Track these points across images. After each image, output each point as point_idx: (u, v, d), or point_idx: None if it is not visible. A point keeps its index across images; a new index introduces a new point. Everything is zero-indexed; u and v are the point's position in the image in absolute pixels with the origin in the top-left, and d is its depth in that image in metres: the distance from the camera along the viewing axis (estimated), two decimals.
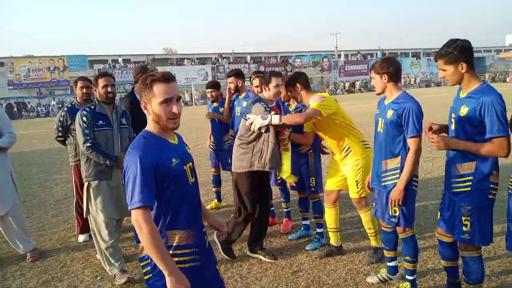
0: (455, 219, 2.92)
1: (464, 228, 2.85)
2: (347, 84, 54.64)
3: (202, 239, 2.25)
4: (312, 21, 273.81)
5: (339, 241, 4.35)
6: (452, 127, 2.89)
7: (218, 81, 6.47)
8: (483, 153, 2.69)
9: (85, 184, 4.02)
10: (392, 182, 3.24)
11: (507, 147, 2.62)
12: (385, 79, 3.22)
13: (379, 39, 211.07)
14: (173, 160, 2.10)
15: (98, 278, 4.11)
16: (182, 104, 2.10)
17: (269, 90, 4.10)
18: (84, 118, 3.91)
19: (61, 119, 4.89)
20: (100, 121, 3.98)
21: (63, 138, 5.01)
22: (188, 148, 2.37)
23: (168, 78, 2.08)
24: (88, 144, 3.88)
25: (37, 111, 42.82)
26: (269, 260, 4.21)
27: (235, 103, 5.45)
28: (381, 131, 3.30)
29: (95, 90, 4.10)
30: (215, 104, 5.90)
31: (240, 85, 5.37)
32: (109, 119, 4.04)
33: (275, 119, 3.78)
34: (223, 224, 2.62)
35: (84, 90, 4.89)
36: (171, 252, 2.07)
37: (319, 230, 4.60)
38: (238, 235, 4.33)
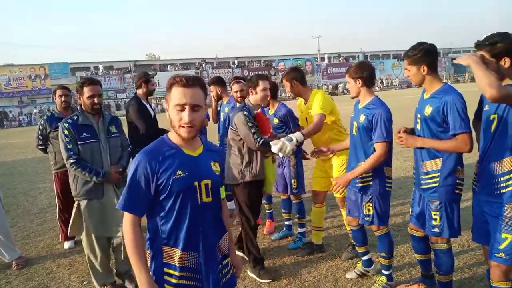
0: (425, 214, 3.09)
1: (433, 222, 3.01)
2: (330, 87, 55.13)
3: (212, 270, 2.04)
4: (294, 25, 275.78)
5: (321, 239, 4.49)
6: (418, 127, 3.06)
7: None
8: (448, 149, 2.86)
9: (75, 203, 3.74)
10: (365, 185, 3.40)
11: (469, 142, 2.78)
12: (359, 83, 3.38)
13: (360, 41, 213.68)
14: (178, 172, 1.93)
15: (84, 283, 4.17)
16: (203, 116, 1.93)
17: (256, 93, 3.96)
18: (66, 132, 3.57)
19: (41, 127, 5.01)
20: (84, 133, 3.62)
21: (43, 147, 5.11)
22: (215, 165, 2.11)
23: (189, 84, 1.94)
24: (72, 160, 3.56)
25: (19, 120, 42.28)
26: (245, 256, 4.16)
27: (219, 109, 5.58)
28: (355, 134, 3.46)
29: (79, 98, 3.69)
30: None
31: (219, 92, 5.48)
32: (94, 129, 3.67)
33: (299, 137, 3.73)
34: (240, 265, 2.33)
35: (63, 99, 5.01)
36: (165, 269, 1.98)
37: (301, 230, 4.74)
38: (256, 248, 4.08)
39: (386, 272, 3.54)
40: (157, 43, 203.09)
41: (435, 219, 3.01)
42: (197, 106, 1.95)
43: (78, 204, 3.69)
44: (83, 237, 3.74)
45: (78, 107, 3.77)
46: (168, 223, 1.96)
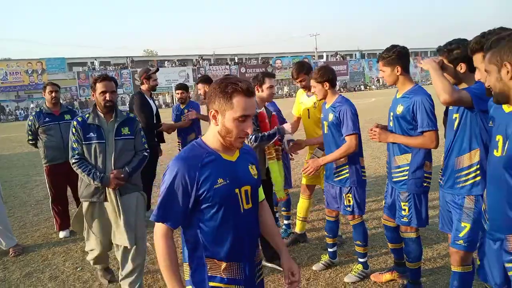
0: (396, 205, 3.32)
1: (403, 213, 3.24)
2: None
3: (252, 277, 1.96)
4: (292, 23, 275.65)
5: (304, 229, 4.72)
6: (391, 124, 3.29)
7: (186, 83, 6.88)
8: (416, 145, 3.10)
9: (81, 203, 3.65)
10: (343, 177, 3.64)
11: (435, 139, 3.02)
12: (326, 86, 3.65)
13: (357, 40, 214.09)
14: (219, 180, 1.81)
15: (78, 269, 4.39)
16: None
17: (262, 91, 3.97)
18: (73, 130, 3.49)
19: (30, 123, 5.29)
20: (91, 133, 3.47)
21: (34, 141, 5.38)
22: (252, 168, 2.00)
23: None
24: (73, 160, 3.48)
25: (16, 115, 42.33)
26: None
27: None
28: (327, 132, 3.73)
29: (93, 95, 3.58)
30: (182, 106, 6.29)
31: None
32: (102, 130, 3.49)
33: (283, 130, 3.97)
34: (295, 269, 2.03)
35: (53, 95, 5.28)
36: (210, 283, 1.87)
37: (286, 222, 4.98)
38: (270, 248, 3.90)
39: (362, 260, 3.77)
40: (155, 39, 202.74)
41: (404, 210, 3.24)
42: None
43: (81, 204, 3.63)
44: (84, 232, 3.72)
45: (92, 105, 3.62)
46: (210, 234, 1.85)
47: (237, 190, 1.86)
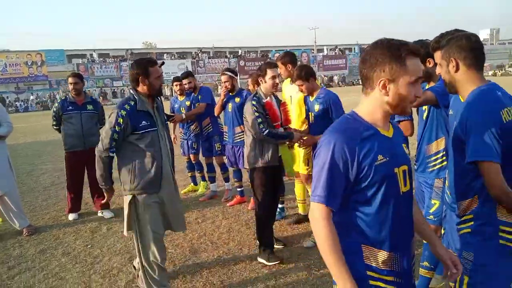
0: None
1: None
2: (325, 79, 55.60)
3: (409, 270, 1.76)
4: (291, 16, 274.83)
5: (306, 210, 5.08)
6: (312, 121, 4.03)
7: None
8: None
9: (128, 197, 3.29)
10: None
11: (410, 128, 3.43)
12: (312, 81, 4.08)
13: (356, 34, 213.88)
14: (379, 157, 1.63)
15: (89, 246, 4.77)
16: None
17: (265, 82, 4.00)
18: (120, 120, 3.11)
19: (55, 109, 5.61)
20: (144, 121, 3.20)
21: (58, 127, 5.68)
22: (406, 147, 1.84)
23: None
24: (109, 154, 3.18)
25: (16, 106, 42.50)
26: (279, 246, 4.36)
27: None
28: (313, 122, 4.16)
29: (143, 82, 3.24)
30: (181, 98, 6.41)
31: (235, 83, 5.68)
32: (153, 117, 3.29)
33: None
34: (456, 260, 1.83)
35: (72, 86, 5.54)
36: (368, 272, 1.68)
37: (280, 205, 5.35)
38: (271, 235, 4.20)
39: None
40: (154, 32, 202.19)
41: None
42: None
43: (133, 198, 3.26)
44: (134, 234, 3.36)
45: (132, 92, 3.31)
46: (367, 218, 1.67)
47: (396, 170, 1.67)
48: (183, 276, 3.88)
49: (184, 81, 6.24)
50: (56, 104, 5.64)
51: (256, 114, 3.85)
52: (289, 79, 4.94)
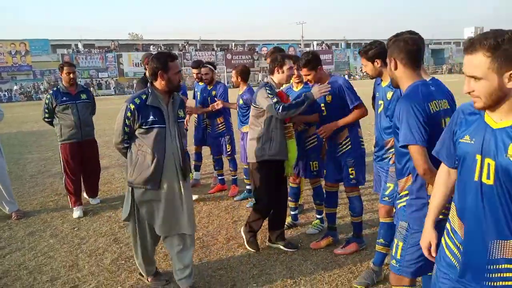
0: (341, 173, 4.05)
1: (351, 176, 3.99)
2: None
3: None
4: (278, 10, 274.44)
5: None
6: (324, 113, 4.05)
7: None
8: (353, 119, 3.91)
9: (129, 188, 3.36)
10: (346, 149, 4.02)
11: (364, 109, 3.88)
12: (319, 71, 3.98)
13: (344, 29, 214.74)
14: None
15: (75, 229, 5.05)
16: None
17: (282, 72, 3.98)
18: (129, 114, 3.16)
19: (47, 101, 5.41)
20: (151, 117, 3.18)
21: (50, 119, 5.50)
22: None
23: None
24: (124, 145, 3.30)
25: None
26: (290, 250, 4.16)
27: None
28: (325, 114, 4.06)
29: (162, 76, 3.21)
30: (209, 87, 5.98)
31: (214, 76, 5.92)
32: (163, 112, 3.25)
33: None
34: None
35: (71, 76, 5.41)
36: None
37: (248, 187, 5.73)
38: (258, 226, 4.23)
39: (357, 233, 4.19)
40: (140, 23, 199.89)
41: (352, 174, 3.99)
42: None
43: (132, 190, 3.33)
44: (131, 223, 3.47)
45: (148, 87, 3.31)
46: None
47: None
48: (165, 255, 4.19)
49: (203, 71, 5.96)
50: (49, 96, 5.43)
51: (270, 95, 3.80)
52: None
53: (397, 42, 2.43)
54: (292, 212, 4.85)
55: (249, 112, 5.05)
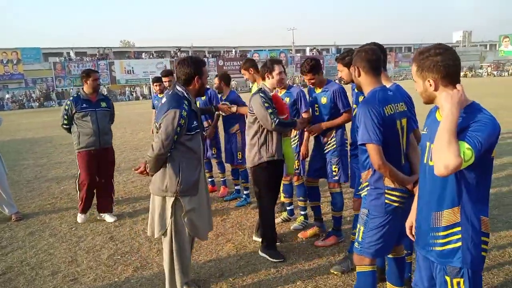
0: (325, 169, 4.39)
1: (334, 173, 4.34)
2: (302, 78, 56.45)
3: None
4: (269, 16, 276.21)
5: None
6: (317, 113, 4.39)
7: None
8: (341, 122, 4.27)
9: (170, 199, 3.24)
10: (331, 149, 4.38)
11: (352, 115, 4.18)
12: (321, 74, 4.41)
13: (334, 35, 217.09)
14: None
15: (73, 228, 5.34)
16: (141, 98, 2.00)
17: (272, 77, 4.14)
18: (182, 122, 3.09)
19: (66, 107, 5.30)
20: (194, 122, 3.22)
21: (68, 126, 5.39)
22: None
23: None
24: (164, 156, 3.16)
25: None
26: (275, 260, 4.11)
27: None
28: (318, 114, 4.43)
29: (197, 81, 3.27)
30: (224, 97, 5.89)
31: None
32: (199, 117, 3.34)
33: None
34: None
35: (97, 82, 5.44)
36: (482, 238, 2.05)
37: (246, 192, 6.03)
38: (272, 231, 4.25)
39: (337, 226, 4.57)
40: (132, 30, 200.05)
41: (335, 171, 4.33)
42: None
43: (176, 200, 3.24)
44: (167, 236, 3.31)
45: (179, 88, 3.28)
46: (486, 188, 2.07)
47: None
48: (158, 250, 4.50)
49: (164, 79, 6.55)
50: (68, 102, 5.33)
51: (266, 105, 3.91)
52: (256, 83, 5.60)
53: (359, 53, 2.79)
54: (288, 208, 5.16)
55: (236, 114, 5.44)
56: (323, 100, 4.36)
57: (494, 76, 60.07)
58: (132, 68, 51.65)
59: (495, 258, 3.88)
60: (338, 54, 3.88)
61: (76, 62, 49.35)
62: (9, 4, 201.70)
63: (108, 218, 5.58)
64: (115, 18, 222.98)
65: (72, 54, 52.04)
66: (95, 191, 5.56)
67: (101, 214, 5.65)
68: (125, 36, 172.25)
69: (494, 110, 15.09)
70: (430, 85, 2.05)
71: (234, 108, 5.01)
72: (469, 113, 1.98)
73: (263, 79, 4.24)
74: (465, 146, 1.86)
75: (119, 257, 4.41)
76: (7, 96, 43.61)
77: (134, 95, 48.84)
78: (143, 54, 55.84)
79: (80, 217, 5.56)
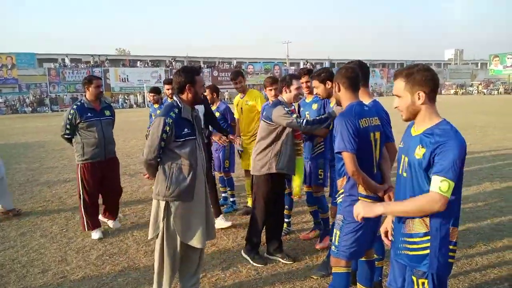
0: (311, 174, 4.62)
1: (320, 176, 4.57)
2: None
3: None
4: (264, 29, 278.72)
5: None
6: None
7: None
8: (324, 134, 4.46)
9: (162, 203, 3.31)
10: (319, 152, 4.56)
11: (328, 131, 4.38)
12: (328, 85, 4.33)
13: (328, 49, 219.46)
14: None
15: (64, 230, 5.52)
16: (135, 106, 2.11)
17: (290, 92, 4.19)
18: (167, 128, 3.17)
19: (70, 117, 4.95)
20: (186, 129, 3.28)
21: (70, 136, 5.07)
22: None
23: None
24: (154, 161, 3.27)
25: None
26: (288, 262, 4.30)
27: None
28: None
29: (189, 90, 3.31)
30: (213, 107, 5.96)
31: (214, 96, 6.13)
32: (193, 125, 3.36)
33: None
34: None
35: (100, 89, 5.14)
36: (450, 246, 2.25)
37: (232, 199, 6.25)
38: (258, 238, 4.37)
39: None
40: (128, 38, 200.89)
41: (321, 175, 4.57)
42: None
43: (167, 204, 3.30)
44: (158, 240, 3.37)
45: (176, 99, 3.37)
46: (456, 199, 2.20)
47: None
48: (145, 252, 4.69)
49: (166, 87, 6.82)
50: (72, 111, 4.97)
51: (289, 113, 3.97)
52: (239, 94, 5.89)
53: (340, 70, 3.07)
54: (286, 220, 5.20)
55: (226, 123, 5.74)
56: (314, 106, 4.63)
57: (484, 94, 60.96)
58: (127, 76, 51.88)
59: (463, 266, 4.13)
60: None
61: (71, 68, 49.50)
62: (4, 9, 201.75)
63: (112, 224, 5.48)
64: (111, 26, 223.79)
65: (67, 61, 52.15)
66: (102, 200, 5.49)
67: (105, 219, 5.55)
68: (120, 44, 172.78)
69: (483, 127, 15.55)
70: (419, 98, 2.21)
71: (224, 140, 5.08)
72: (436, 134, 2.18)
73: (281, 92, 4.29)
74: (439, 179, 2.08)
75: (107, 257, 4.60)
76: (0, 100, 43.53)
77: (128, 103, 48.97)
78: (138, 62, 56.11)
79: (95, 234, 5.18)
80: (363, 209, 2.44)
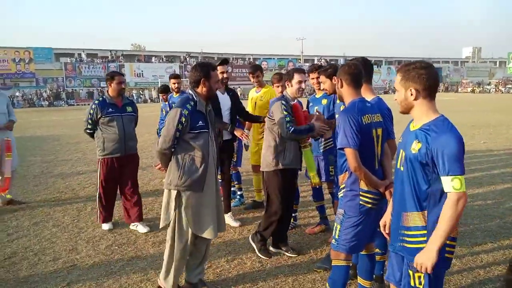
0: (323, 171, 4.67)
1: (331, 173, 4.61)
2: (310, 89, 56.79)
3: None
4: (279, 25, 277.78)
5: (262, 198, 5.96)
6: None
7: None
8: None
9: (173, 193, 3.40)
10: (328, 148, 4.62)
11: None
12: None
13: (342, 46, 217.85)
14: None
15: (75, 220, 5.66)
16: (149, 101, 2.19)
17: (291, 86, 4.19)
18: (183, 119, 3.28)
19: (92, 111, 5.03)
20: (200, 122, 3.37)
21: (92, 131, 5.16)
22: None
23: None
24: (168, 151, 3.37)
25: None
26: (292, 255, 4.35)
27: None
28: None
29: (204, 83, 3.42)
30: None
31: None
32: (206, 118, 3.46)
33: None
34: None
35: (122, 86, 5.19)
36: (448, 242, 2.26)
37: (239, 193, 6.32)
38: (269, 234, 4.36)
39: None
40: (143, 34, 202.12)
41: (331, 171, 4.60)
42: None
43: (178, 194, 3.39)
44: (170, 229, 3.48)
45: (191, 91, 3.49)
46: None
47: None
48: (153, 243, 4.80)
49: (173, 81, 7.21)
50: (94, 106, 5.05)
51: (285, 113, 4.01)
52: (254, 88, 5.96)
53: (343, 66, 3.11)
54: (293, 214, 5.19)
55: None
56: (324, 101, 4.65)
57: (502, 92, 59.89)
58: (142, 71, 52.36)
59: (467, 262, 4.13)
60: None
61: (87, 63, 50.16)
62: (23, 4, 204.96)
63: (141, 228, 5.22)
64: (127, 22, 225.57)
65: (83, 55, 52.83)
66: (122, 200, 5.46)
67: (132, 224, 5.33)
68: (136, 40, 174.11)
69: (497, 126, 15.34)
70: (411, 94, 2.30)
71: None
72: (432, 130, 2.22)
73: (285, 88, 4.32)
74: (449, 179, 2.12)
75: (116, 247, 4.71)
76: (17, 94, 44.36)
77: (143, 98, 49.44)
78: (153, 58, 56.50)
79: (105, 225, 5.30)
80: (427, 260, 2.20)
